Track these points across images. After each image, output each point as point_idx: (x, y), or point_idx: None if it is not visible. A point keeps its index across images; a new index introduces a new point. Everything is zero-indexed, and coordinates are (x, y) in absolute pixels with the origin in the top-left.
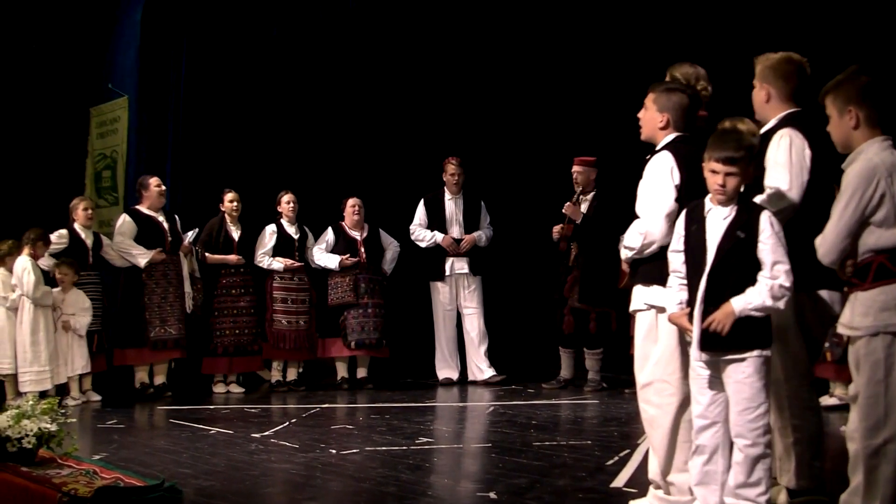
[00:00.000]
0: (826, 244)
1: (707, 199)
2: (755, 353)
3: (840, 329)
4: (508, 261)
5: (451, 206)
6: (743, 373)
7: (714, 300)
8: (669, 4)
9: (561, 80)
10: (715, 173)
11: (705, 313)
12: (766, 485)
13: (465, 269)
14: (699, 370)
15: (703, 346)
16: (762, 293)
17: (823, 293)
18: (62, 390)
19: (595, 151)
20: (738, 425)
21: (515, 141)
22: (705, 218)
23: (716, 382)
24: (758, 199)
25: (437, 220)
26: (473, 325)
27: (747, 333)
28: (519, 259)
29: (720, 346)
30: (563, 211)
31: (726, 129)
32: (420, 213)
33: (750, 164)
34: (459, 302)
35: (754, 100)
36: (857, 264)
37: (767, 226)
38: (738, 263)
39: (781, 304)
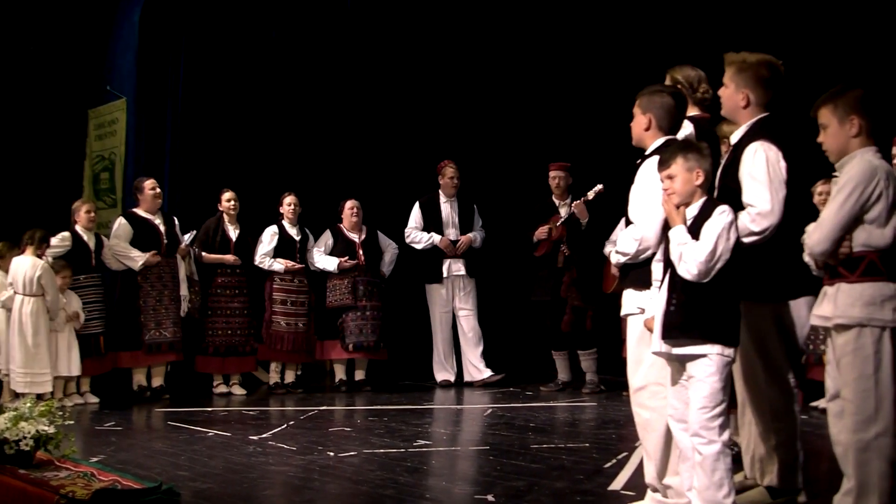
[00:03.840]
0: (821, 233)
1: None
2: (717, 348)
3: (816, 321)
4: (503, 263)
5: (447, 208)
6: (704, 371)
7: (675, 290)
8: (672, 9)
9: (553, 85)
10: (660, 181)
11: (669, 302)
12: (729, 485)
13: (462, 271)
14: (672, 371)
15: (665, 334)
16: (677, 243)
17: (800, 300)
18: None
19: (585, 155)
20: (695, 423)
21: (509, 145)
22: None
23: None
24: (739, 217)
25: (433, 223)
26: (469, 325)
27: (709, 324)
28: (513, 261)
29: (681, 331)
30: (573, 208)
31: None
32: (416, 215)
33: (688, 167)
34: (455, 304)
35: (728, 100)
36: (850, 255)
37: (716, 215)
38: None
39: (685, 269)
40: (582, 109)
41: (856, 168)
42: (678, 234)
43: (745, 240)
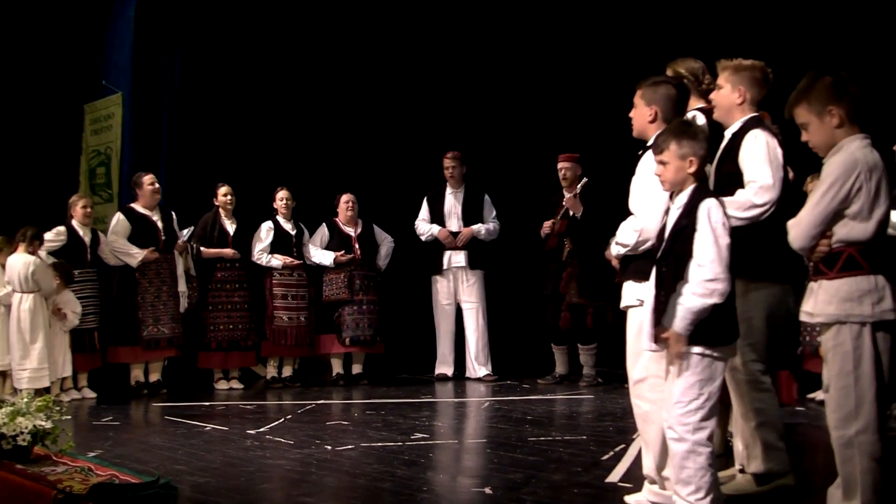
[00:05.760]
0: (799, 229)
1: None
2: (698, 349)
3: (803, 317)
4: (509, 255)
5: (451, 199)
6: (681, 367)
7: (662, 286)
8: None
9: (562, 74)
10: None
11: (657, 299)
12: (696, 484)
13: (463, 263)
14: (666, 364)
15: (655, 338)
16: (686, 301)
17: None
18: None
19: (594, 146)
20: (668, 416)
21: (516, 135)
22: (670, 208)
23: None
24: (741, 193)
25: (437, 215)
26: (471, 320)
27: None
28: (519, 254)
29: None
30: (564, 203)
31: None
32: (424, 208)
33: (681, 154)
34: (459, 297)
35: (723, 99)
36: (830, 251)
37: (703, 217)
38: (679, 251)
39: (715, 299)
40: (594, 100)
41: (836, 162)
42: (684, 314)
43: (748, 213)
